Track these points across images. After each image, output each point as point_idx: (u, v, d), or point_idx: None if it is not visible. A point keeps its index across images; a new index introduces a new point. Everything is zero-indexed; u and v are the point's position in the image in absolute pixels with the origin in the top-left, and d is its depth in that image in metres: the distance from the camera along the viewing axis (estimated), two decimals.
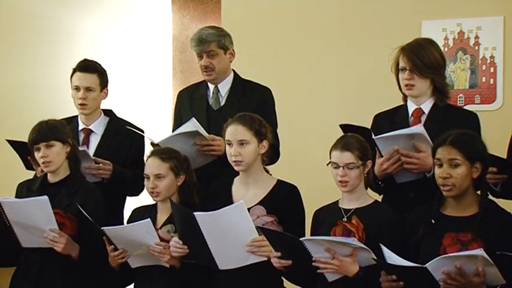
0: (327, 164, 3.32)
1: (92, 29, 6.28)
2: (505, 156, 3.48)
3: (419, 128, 3.44)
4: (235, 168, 3.49)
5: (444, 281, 2.89)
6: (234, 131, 3.47)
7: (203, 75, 4.09)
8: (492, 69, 5.04)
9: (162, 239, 3.44)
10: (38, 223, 3.50)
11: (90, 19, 6.29)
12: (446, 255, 2.91)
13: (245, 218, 3.25)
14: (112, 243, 3.46)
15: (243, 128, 3.46)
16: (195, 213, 3.25)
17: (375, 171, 3.47)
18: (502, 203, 3.30)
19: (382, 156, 3.48)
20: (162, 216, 3.59)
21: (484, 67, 5.06)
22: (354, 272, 3.08)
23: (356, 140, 3.32)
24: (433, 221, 3.16)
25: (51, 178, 3.71)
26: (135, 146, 4.10)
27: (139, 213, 3.66)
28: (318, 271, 3.12)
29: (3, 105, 6.20)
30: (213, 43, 4.02)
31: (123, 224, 3.82)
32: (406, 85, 3.58)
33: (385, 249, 2.99)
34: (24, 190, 3.76)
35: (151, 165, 3.57)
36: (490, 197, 3.35)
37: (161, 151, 3.63)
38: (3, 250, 3.69)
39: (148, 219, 3.40)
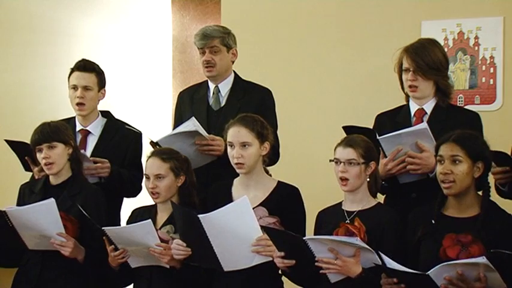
0: (330, 161, 3.32)
1: (91, 29, 6.28)
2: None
3: (423, 125, 3.44)
4: (238, 170, 3.48)
5: (446, 287, 2.88)
6: (236, 133, 3.45)
7: (204, 72, 4.08)
8: (492, 70, 5.04)
9: (161, 240, 3.43)
10: (45, 228, 3.49)
11: (89, 19, 6.29)
12: (448, 262, 2.90)
13: (249, 214, 3.23)
14: (112, 243, 3.46)
15: (245, 130, 3.44)
16: (199, 216, 3.22)
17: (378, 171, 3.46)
18: (504, 203, 3.29)
19: (386, 157, 3.48)
20: (161, 217, 3.58)
21: (483, 67, 5.05)
22: (356, 273, 3.06)
23: (361, 139, 3.32)
24: (433, 221, 3.16)
25: (53, 180, 3.71)
26: (132, 147, 4.09)
27: (139, 214, 3.65)
28: (321, 271, 3.11)
29: (2, 105, 6.20)
30: (217, 39, 4.03)
31: (120, 225, 3.81)
32: (410, 86, 3.58)
33: (384, 257, 2.98)
34: (27, 192, 3.77)
35: (152, 166, 3.56)
36: (493, 197, 3.33)
37: (162, 151, 3.62)
38: (6, 251, 3.68)
39: (149, 220, 3.39)
